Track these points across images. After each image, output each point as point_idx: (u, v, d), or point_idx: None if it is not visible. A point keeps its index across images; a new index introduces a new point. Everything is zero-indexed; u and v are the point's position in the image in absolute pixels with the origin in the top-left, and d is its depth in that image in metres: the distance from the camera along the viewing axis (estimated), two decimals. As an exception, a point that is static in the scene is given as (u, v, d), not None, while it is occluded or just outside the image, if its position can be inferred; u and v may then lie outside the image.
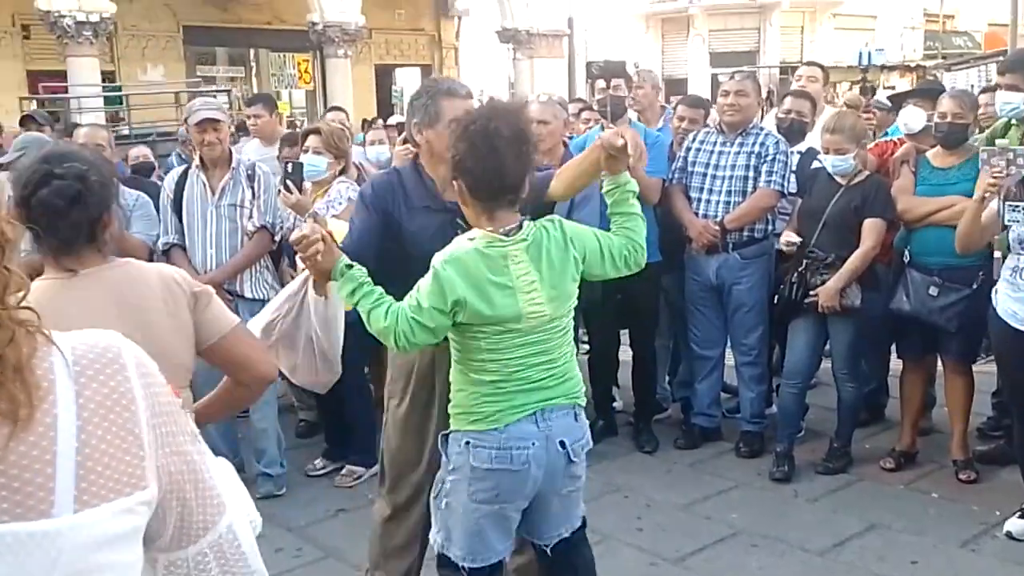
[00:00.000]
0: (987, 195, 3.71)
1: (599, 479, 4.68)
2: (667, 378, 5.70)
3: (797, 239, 4.51)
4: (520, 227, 2.55)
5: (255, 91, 21.06)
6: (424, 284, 2.50)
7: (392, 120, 11.32)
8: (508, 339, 2.52)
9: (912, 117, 4.82)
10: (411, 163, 3.06)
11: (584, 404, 2.73)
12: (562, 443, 2.59)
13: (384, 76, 24.68)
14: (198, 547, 1.14)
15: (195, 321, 2.24)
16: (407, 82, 26.01)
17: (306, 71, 23.39)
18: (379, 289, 2.58)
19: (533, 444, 2.54)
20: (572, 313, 2.67)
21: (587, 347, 5.55)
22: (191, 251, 4.57)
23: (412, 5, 24.44)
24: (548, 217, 2.68)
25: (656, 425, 5.25)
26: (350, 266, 2.59)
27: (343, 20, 19.32)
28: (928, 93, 5.13)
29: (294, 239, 2.61)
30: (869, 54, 23.51)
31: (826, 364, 4.99)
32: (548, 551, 2.75)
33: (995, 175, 3.63)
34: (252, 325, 2.93)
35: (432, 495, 2.72)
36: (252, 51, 23.62)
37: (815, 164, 4.77)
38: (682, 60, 29.12)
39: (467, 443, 2.58)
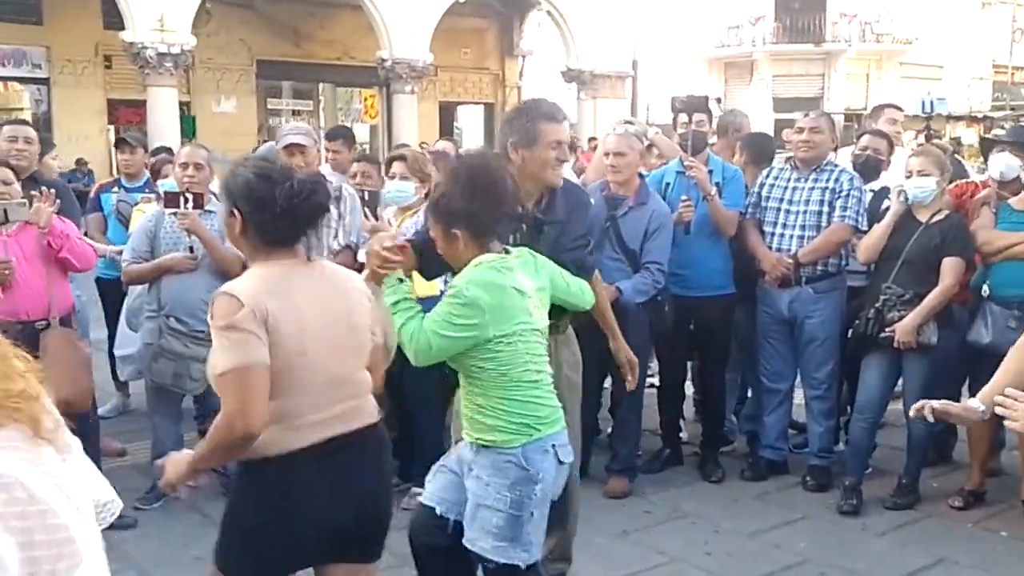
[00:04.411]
0: None
1: (666, 505, 4.75)
2: (734, 411, 5.74)
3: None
4: (507, 252, 2.87)
5: (322, 124, 21.60)
6: (448, 305, 2.72)
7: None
8: (534, 339, 2.79)
9: (1007, 166, 4.75)
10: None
11: None
12: None
13: (447, 113, 25.14)
14: None
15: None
16: (468, 120, 26.47)
17: (372, 106, 23.93)
18: (417, 307, 2.82)
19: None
20: None
21: (651, 380, 5.63)
22: (277, 268, 4.76)
23: (478, 44, 24.94)
24: (526, 248, 2.97)
25: (722, 457, 5.29)
26: (401, 280, 2.87)
27: (411, 57, 19.79)
28: (1018, 143, 5.01)
29: (386, 246, 2.85)
30: (932, 102, 23.40)
31: (894, 405, 5.01)
32: None
33: None
34: None
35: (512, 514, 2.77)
36: (320, 85, 24.23)
37: (885, 203, 4.82)
38: (744, 104, 29.21)
39: (552, 446, 2.77)
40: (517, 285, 2.77)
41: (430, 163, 5.27)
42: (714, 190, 4.86)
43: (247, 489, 2.38)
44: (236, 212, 2.34)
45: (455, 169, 2.92)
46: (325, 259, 2.57)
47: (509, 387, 2.75)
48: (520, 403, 2.75)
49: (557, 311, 3.15)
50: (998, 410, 2.36)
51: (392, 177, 4.93)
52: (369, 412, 2.47)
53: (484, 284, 2.71)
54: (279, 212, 2.29)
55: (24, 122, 5.28)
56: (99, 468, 3.97)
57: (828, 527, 4.47)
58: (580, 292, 3.19)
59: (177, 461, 2.39)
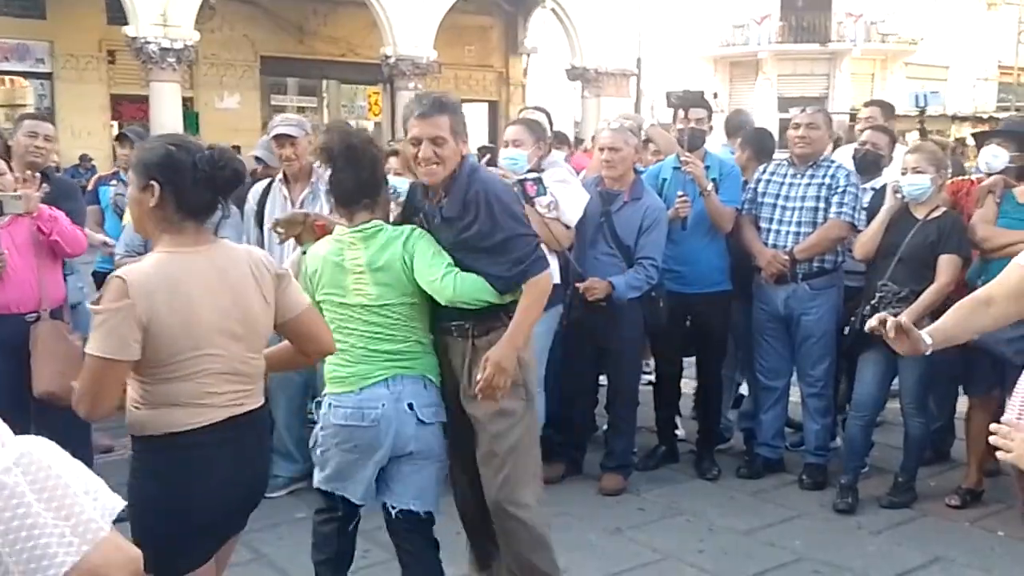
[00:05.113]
0: None
1: (661, 502, 4.72)
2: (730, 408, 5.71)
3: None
4: (369, 223, 3.07)
5: (325, 122, 21.57)
6: None
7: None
8: (347, 315, 3.02)
9: (993, 156, 4.77)
10: None
11: (437, 381, 3.15)
12: (410, 405, 3.02)
13: (452, 111, 25.08)
14: None
15: (276, 299, 2.58)
16: (472, 118, 26.38)
17: (376, 103, 23.91)
18: None
19: (383, 405, 2.99)
20: (411, 304, 3.06)
21: (650, 377, 5.60)
22: (270, 260, 4.73)
23: (482, 42, 24.91)
24: (409, 227, 3.13)
25: (718, 455, 5.26)
26: (305, 252, 3.25)
27: (415, 54, 19.77)
28: (1012, 134, 5.02)
29: (281, 218, 3.31)
30: (925, 96, 23.27)
31: (892, 404, 4.98)
32: (393, 514, 3.12)
33: None
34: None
35: (311, 445, 3.24)
36: (324, 82, 24.23)
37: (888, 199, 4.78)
38: (749, 103, 29.14)
39: (330, 404, 3.08)
40: (338, 258, 3.03)
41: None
42: (711, 186, 4.84)
43: (147, 465, 2.43)
44: (154, 183, 2.36)
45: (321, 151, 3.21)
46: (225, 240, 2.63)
47: None
48: (326, 362, 3.08)
49: (460, 312, 3.09)
50: (992, 440, 2.26)
51: (387, 172, 4.92)
52: (259, 395, 2.58)
53: (311, 252, 3.11)
54: (199, 179, 2.37)
55: (44, 117, 5.22)
56: (90, 463, 3.95)
57: (823, 525, 4.45)
58: (439, 285, 3.01)
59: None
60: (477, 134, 24.87)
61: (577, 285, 4.57)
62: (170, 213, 2.40)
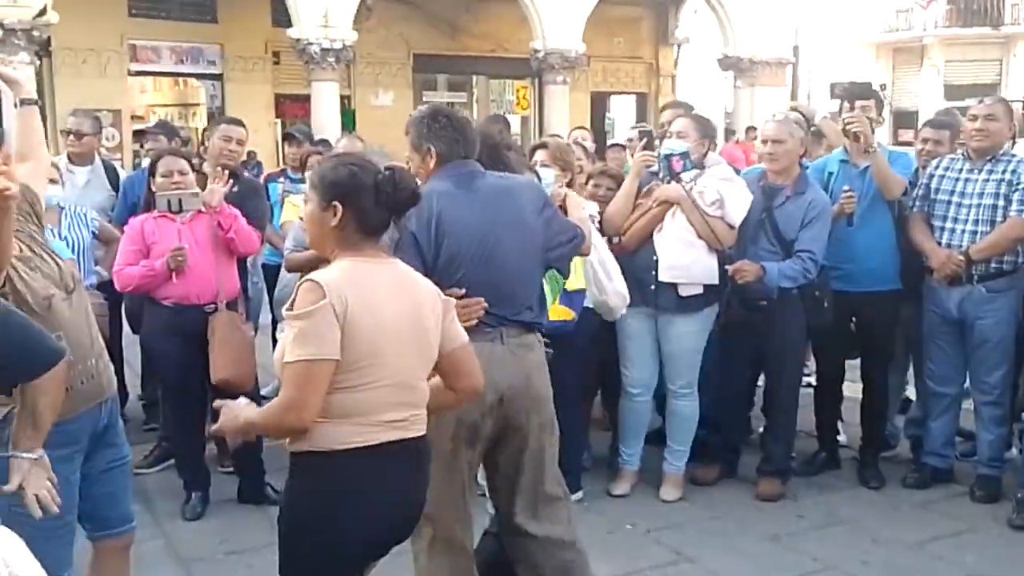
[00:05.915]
0: None
1: (822, 510, 4.58)
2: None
3: None
4: None
5: (475, 116, 21.87)
6: None
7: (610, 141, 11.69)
8: None
9: None
10: None
11: None
12: None
13: (599, 103, 25.00)
14: None
15: (442, 327, 2.52)
16: (619, 110, 26.26)
17: (524, 97, 24.06)
18: None
19: None
20: None
21: (810, 379, 5.42)
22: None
23: (631, 33, 24.67)
24: None
25: (883, 463, 5.04)
26: None
27: (564, 47, 19.75)
28: None
29: None
30: None
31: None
32: None
33: None
34: None
35: None
36: (474, 78, 24.55)
37: None
38: (913, 92, 27.79)
39: None
40: None
41: (573, 153, 5.28)
42: (878, 144, 4.62)
43: (304, 484, 2.40)
44: (337, 204, 2.39)
45: None
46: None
47: None
48: None
49: None
50: None
51: (534, 164, 4.98)
52: (424, 421, 2.51)
53: None
54: (380, 200, 2.41)
55: (237, 122, 5.53)
56: (260, 448, 4.09)
57: (998, 541, 4.21)
58: None
59: (235, 413, 2.45)
60: (625, 126, 24.68)
61: (727, 268, 4.45)
62: (350, 233, 2.42)
